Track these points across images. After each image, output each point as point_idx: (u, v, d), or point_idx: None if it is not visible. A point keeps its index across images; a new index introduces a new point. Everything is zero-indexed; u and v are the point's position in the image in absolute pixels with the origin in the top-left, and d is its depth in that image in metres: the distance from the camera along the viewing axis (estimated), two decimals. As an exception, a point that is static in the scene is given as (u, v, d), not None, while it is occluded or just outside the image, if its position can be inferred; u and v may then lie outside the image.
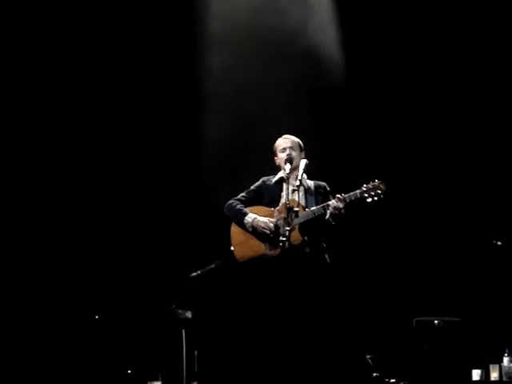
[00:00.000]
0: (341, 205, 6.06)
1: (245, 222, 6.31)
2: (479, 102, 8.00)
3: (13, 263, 7.83)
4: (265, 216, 6.30)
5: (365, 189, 6.03)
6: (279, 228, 6.18)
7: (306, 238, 6.16)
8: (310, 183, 6.42)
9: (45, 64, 8.11)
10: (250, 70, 8.13)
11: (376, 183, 6.03)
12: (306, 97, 8.10)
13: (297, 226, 6.09)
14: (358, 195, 6.05)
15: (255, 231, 6.29)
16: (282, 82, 8.12)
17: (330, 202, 6.10)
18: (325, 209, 6.11)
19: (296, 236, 6.09)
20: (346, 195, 6.08)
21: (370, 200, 6.02)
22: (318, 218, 6.12)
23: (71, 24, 8.13)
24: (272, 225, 6.24)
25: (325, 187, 6.44)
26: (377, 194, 6.01)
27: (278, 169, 6.46)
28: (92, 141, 8.18)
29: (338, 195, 6.10)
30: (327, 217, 6.11)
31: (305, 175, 6.32)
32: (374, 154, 8.03)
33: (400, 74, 8.09)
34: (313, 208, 6.18)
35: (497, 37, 7.99)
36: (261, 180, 6.55)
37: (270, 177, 6.52)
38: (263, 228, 6.25)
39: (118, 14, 8.20)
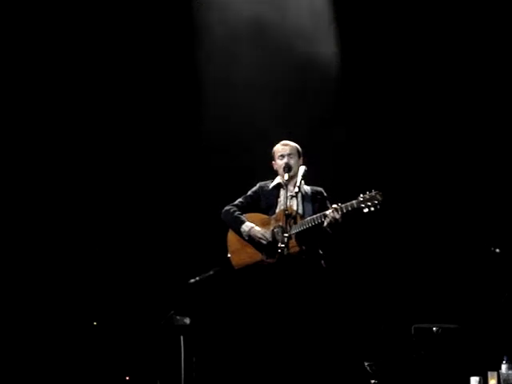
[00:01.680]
0: (337, 215, 6.03)
1: (241, 230, 6.31)
2: (478, 113, 7.99)
3: (11, 269, 7.83)
4: (261, 224, 6.29)
5: (361, 199, 6.00)
6: (276, 238, 6.18)
7: (303, 247, 6.15)
8: (307, 189, 6.42)
9: (47, 66, 8.10)
10: (250, 73, 8.15)
11: (373, 193, 5.99)
12: (306, 101, 8.11)
13: (294, 236, 6.09)
14: (355, 205, 6.02)
15: (252, 240, 6.29)
16: (283, 85, 8.13)
17: (326, 212, 6.07)
18: (322, 218, 6.09)
19: (294, 245, 6.08)
20: (343, 205, 6.05)
21: (366, 210, 5.98)
22: (315, 227, 6.11)
23: (72, 26, 8.13)
24: (269, 235, 6.24)
25: (321, 193, 6.43)
26: (374, 205, 5.97)
27: (276, 173, 6.47)
28: (90, 142, 8.17)
29: (335, 205, 6.07)
30: (324, 225, 6.09)
31: (303, 181, 6.31)
32: (372, 159, 8.03)
33: (399, 82, 8.08)
34: (310, 218, 6.16)
35: (494, 31, 7.97)
36: (258, 185, 6.55)
37: (267, 182, 6.52)
38: (260, 238, 6.25)
39: (119, 15, 8.19)
